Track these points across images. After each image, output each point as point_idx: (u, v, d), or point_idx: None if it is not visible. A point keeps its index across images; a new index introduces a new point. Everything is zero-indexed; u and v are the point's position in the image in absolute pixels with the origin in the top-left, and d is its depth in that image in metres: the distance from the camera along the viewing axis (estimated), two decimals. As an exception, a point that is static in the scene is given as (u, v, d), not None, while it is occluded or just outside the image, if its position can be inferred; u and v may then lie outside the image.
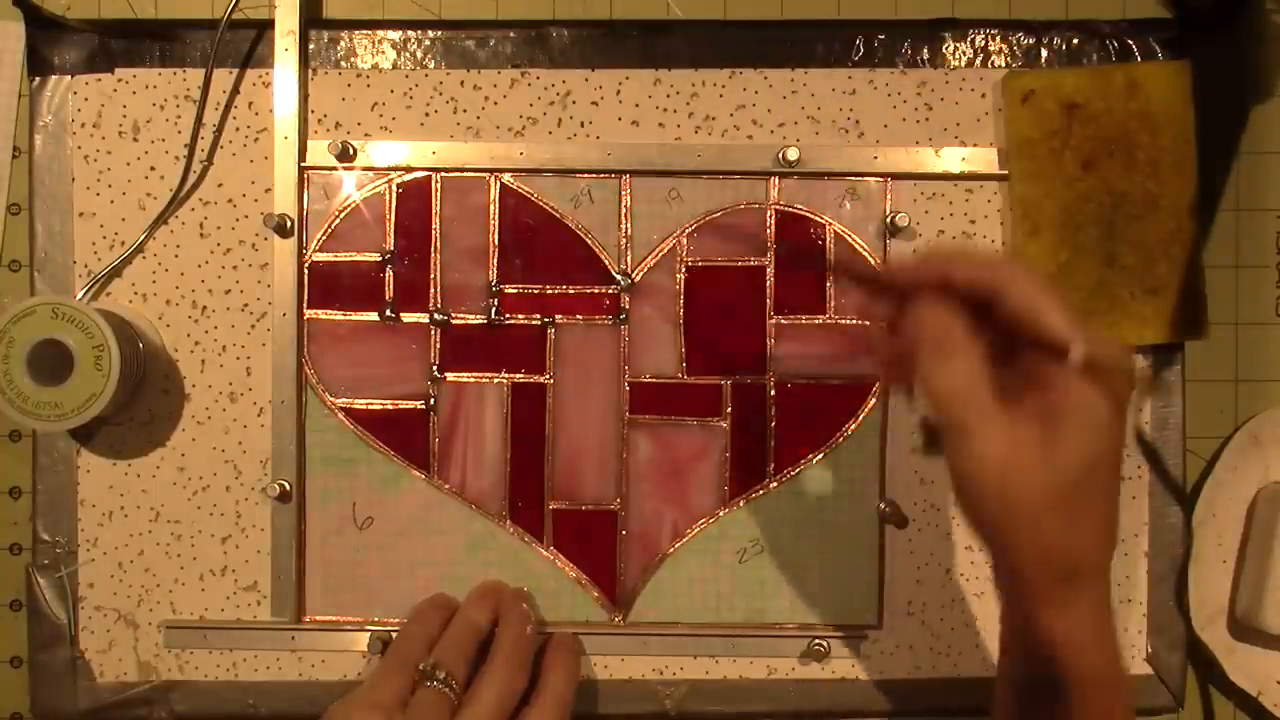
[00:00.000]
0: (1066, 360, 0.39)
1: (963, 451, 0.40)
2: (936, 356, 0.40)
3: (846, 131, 0.54)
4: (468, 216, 0.54)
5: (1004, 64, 0.54)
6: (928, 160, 0.54)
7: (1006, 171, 0.54)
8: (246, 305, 0.54)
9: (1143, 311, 0.53)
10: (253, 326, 0.54)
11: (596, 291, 0.54)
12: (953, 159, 0.54)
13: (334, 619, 0.55)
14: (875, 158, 0.54)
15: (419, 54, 0.54)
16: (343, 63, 0.54)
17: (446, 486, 0.54)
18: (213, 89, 0.54)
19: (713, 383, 0.54)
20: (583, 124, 0.54)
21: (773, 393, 0.54)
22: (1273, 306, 0.56)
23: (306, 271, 0.54)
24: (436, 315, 0.54)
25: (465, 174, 0.54)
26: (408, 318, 0.54)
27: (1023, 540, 0.40)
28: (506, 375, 0.54)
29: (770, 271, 0.54)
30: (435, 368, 0.54)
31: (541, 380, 0.54)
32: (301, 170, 0.54)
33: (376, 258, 0.54)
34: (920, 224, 0.54)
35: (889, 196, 0.54)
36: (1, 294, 0.55)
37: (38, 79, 0.54)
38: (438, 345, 0.54)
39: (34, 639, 0.54)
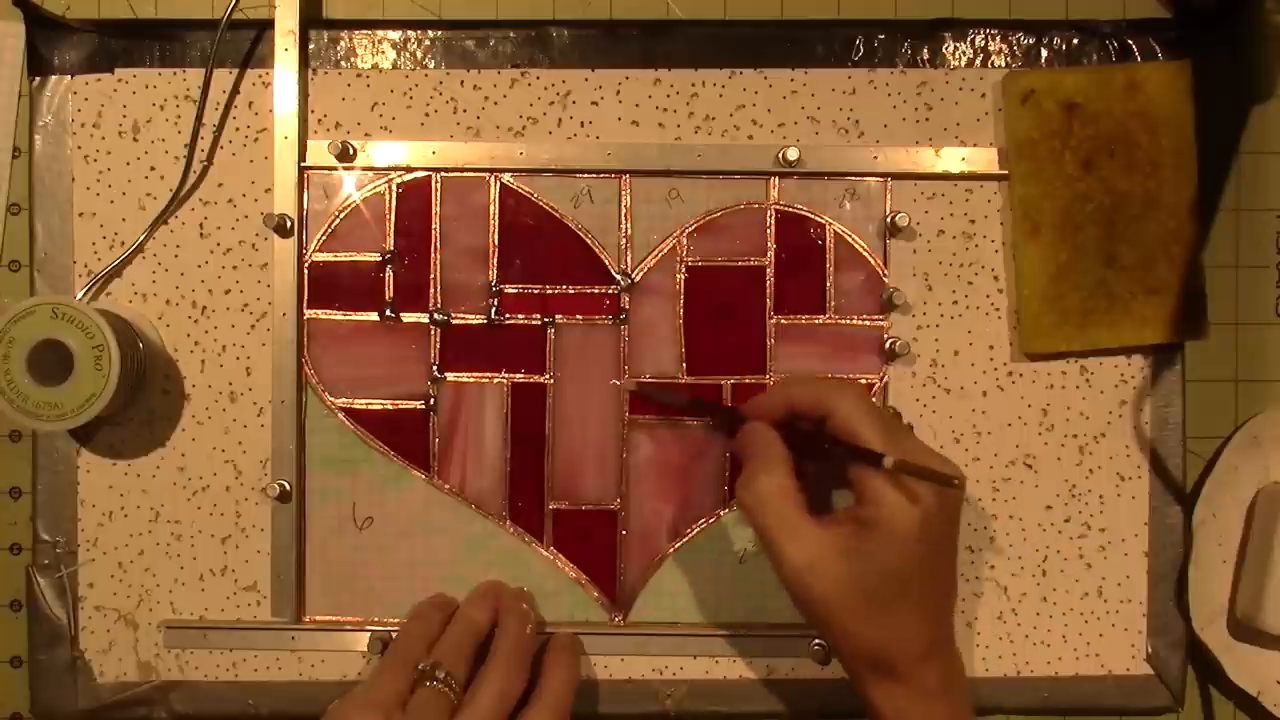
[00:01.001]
0: (880, 467, 0.44)
1: (768, 553, 0.46)
2: (748, 470, 0.47)
3: (846, 131, 0.54)
4: (468, 216, 0.54)
5: (1004, 64, 0.54)
6: (928, 160, 0.54)
7: (1006, 171, 0.54)
8: (246, 305, 0.54)
9: (1143, 311, 0.53)
10: (253, 326, 0.54)
11: (596, 291, 0.54)
12: (953, 159, 0.54)
13: (334, 619, 0.55)
14: (875, 158, 0.54)
15: (419, 54, 0.54)
16: (343, 63, 0.54)
17: (446, 486, 0.54)
18: (213, 89, 0.54)
19: (713, 383, 0.54)
20: (583, 124, 0.54)
21: (773, 393, 0.54)
22: (1273, 306, 0.56)
23: (306, 271, 0.54)
24: (436, 315, 0.54)
25: (465, 174, 0.54)
26: (408, 318, 0.54)
27: (831, 633, 0.46)
28: (506, 375, 0.54)
29: (770, 271, 0.54)
30: (435, 368, 0.54)
31: (541, 380, 0.54)
32: (301, 170, 0.54)
33: (376, 258, 0.54)
34: (920, 224, 0.54)
35: (889, 196, 0.54)
36: (1, 294, 0.55)
37: (38, 79, 0.54)
38: (438, 345, 0.54)
39: (34, 639, 0.54)
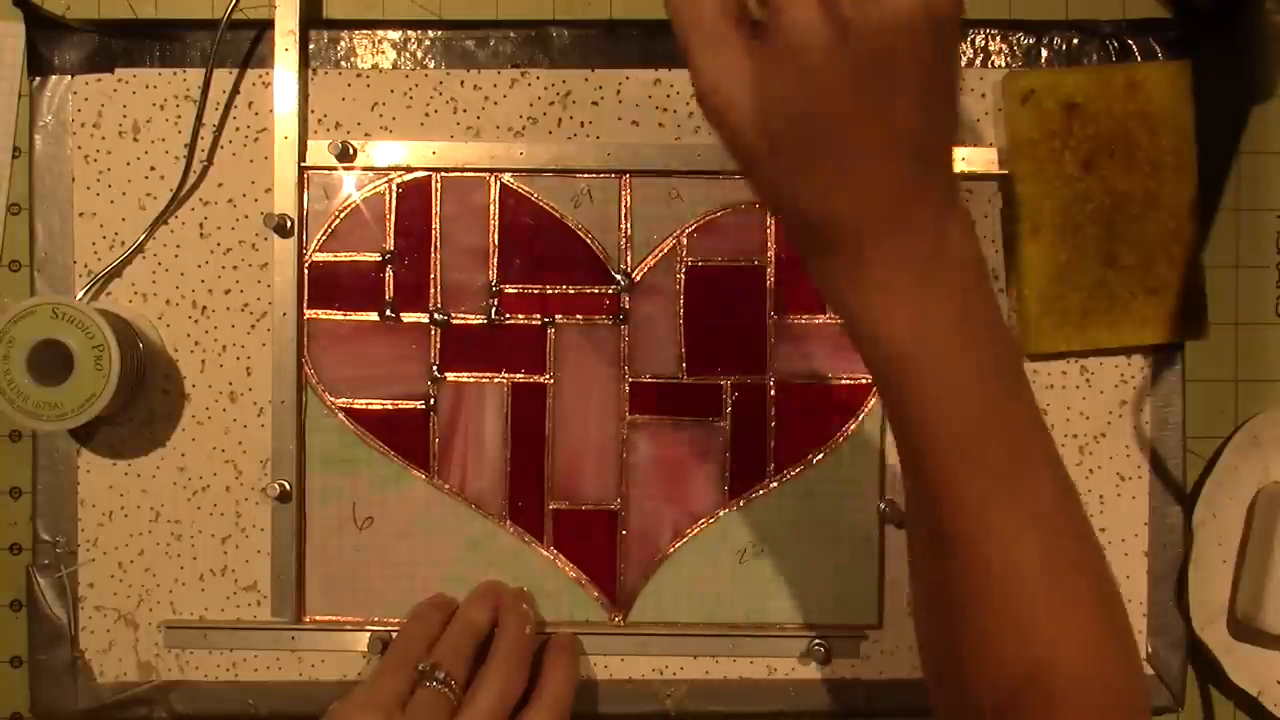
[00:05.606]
0: None
1: (689, 70, 0.35)
2: None
3: (846, 131, 0.54)
4: (468, 216, 0.54)
5: (1004, 64, 0.54)
6: (928, 160, 0.54)
7: (1006, 171, 0.54)
8: (246, 305, 0.54)
9: (1143, 311, 0.53)
10: (253, 326, 0.54)
11: (596, 291, 0.54)
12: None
13: (334, 619, 0.55)
14: (875, 158, 0.54)
15: (419, 54, 0.54)
16: (343, 63, 0.54)
17: (446, 486, 0.54)
18: (213, 89, 0.54)
19: (713, 383, 0.54)
20: (583, 124, 0.54)
21: (773, 393, 0.54)
22: (1273, 306, 0.56)
23: (306, 271, 0.54)
24: (436, 315, 0.54)
25: (465, 174, 0.54)
26: (408, 318, 0.54)
27: (760, 188, 0.35)
28: (506, 375, 0.54)
29: (770, 271, 0.54)
30: (435, 368, 0.54)
31: (541, 380, 0.54)
32: (301, 170, 0.54)
33: (376, 258, 0.54)
34: (920, 224, 0.54)
35: (889, 196, 0.54)
36: (1, 294, 0.55)
37: (38, 79, 0.54)
38: (438, 345, 0.54)
39: (34, 639, 0.54)
